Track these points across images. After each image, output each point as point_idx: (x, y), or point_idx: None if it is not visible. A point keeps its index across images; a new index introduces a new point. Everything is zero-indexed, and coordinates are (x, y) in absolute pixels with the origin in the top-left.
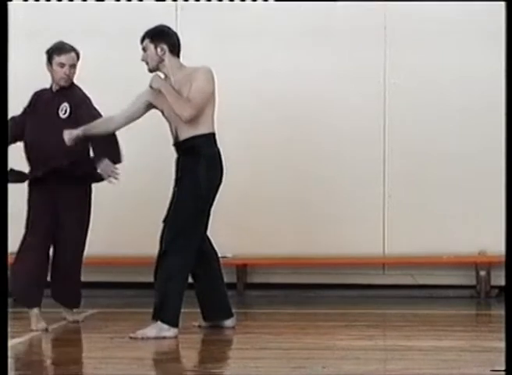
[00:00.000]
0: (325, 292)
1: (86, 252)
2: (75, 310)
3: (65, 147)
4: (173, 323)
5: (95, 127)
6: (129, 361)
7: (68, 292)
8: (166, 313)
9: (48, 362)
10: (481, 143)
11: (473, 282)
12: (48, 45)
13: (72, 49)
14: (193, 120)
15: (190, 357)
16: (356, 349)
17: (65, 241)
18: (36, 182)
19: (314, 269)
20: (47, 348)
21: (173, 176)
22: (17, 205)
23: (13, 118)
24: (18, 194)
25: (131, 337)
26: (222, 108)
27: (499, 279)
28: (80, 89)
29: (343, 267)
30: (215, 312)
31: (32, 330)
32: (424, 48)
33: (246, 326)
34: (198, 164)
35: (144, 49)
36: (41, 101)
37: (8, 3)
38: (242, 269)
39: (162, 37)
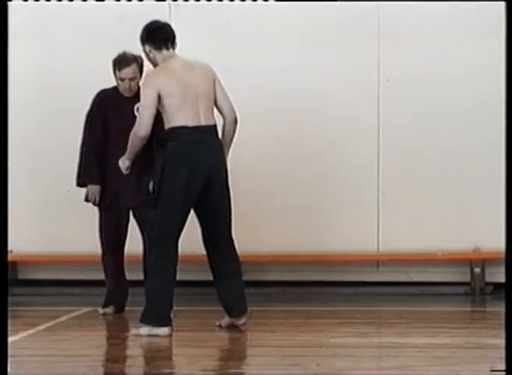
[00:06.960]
0: (320, 289)
1: (81, 250)
2: None
3: None
4: None
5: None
6: (123, 359)
7: None
8: None
9: (43, 359)
10: (476, 140)
11: (467, 279)
12: (48, 45)
13: (134, 60)
14: None
15: (184, 355)
16: (350, 346)
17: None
18: None
19: (308, 267)
20: (42, 346)
21: None
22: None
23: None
24: (18, 195)
25: None
26: None
27: (493, 276)
28: None
29: (337, 264)
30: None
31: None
32: (418, 45)
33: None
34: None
35: None
36: (113, 104)
37: (8, 3)
38: None
39: None
